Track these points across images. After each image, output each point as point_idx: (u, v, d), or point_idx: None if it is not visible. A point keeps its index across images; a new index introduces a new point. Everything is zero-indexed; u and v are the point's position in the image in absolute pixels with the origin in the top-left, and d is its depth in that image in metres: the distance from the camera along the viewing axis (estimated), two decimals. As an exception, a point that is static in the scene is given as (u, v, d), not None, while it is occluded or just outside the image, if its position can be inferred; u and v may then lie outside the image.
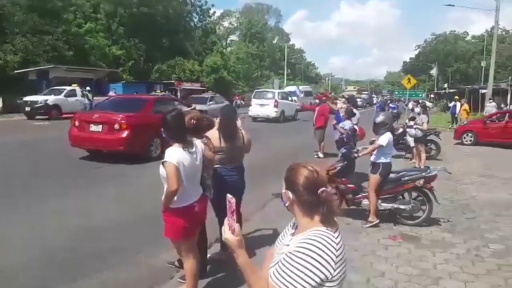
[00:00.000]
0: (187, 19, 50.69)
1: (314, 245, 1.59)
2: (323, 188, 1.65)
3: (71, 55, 31.42)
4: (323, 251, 1.58)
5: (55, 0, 31.60)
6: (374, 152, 6.09)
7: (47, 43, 30.01)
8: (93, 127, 10.18)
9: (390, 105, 26.11)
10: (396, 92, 37.32)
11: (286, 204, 1.74)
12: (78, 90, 24.00)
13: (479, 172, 10.51)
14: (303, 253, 1.57)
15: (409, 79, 23.59)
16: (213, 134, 4.29)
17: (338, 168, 6.32)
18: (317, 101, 13.36)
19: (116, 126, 9.91)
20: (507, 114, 16.80)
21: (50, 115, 21.64)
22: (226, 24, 71.98)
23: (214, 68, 47.57)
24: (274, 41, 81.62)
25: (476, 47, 61.70)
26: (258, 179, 7.96)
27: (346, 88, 51.94)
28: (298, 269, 1.55)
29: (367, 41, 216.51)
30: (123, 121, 9.93)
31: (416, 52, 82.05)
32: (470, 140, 16.36)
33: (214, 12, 59.15)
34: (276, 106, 24.49)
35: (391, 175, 6.11)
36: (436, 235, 5.71)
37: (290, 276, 1.56)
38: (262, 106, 24.81)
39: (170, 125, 3.44)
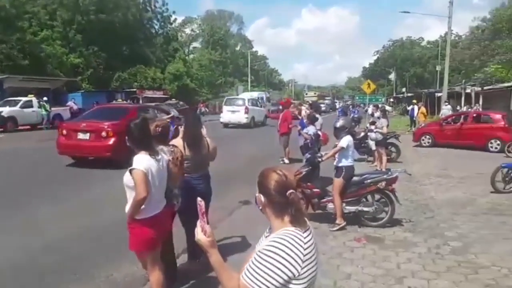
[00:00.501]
0: (148, 26, 49.87)
1: (281, 243, 1.66)
2: (291, 190, 1.74)
3: (27, 64, 30.16)
4: (290, 249, 1.65)
5: (9, 8, 30.30)
6: (337, 156, 6.23)
7: (1, 52, 28.73)
8: (80, 135, 10.83)
9: (351, 109, 26.80)
10: (357, 97, 38.32)
11: (260, 207, 1.82)
12: (34, 100, 23.05)
13: (436, 173, 10.94)
14: (270, 251, 1.65)
15: (369, 84, 24.28)
16: (178, 142, 4.27)
17: (304, 173, 6.42)
18: (280, 107, 13.51)
19: (103, 133, 10.51)
20: (462, 116, 17.62)
21: (5, 128, 20.79)
22: (188, 31, 71.52)
23: (177, 76, 47.07)
24: (237, 48, 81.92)
25: (431, 52, 64.26)
26: (225, 186, 7.96)
27: (306, 94, 52.66)
28: (266, 267, 1.63)
29: (328, 47, 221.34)
30: (109, 129, 10.47)
31: (375, 57, 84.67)
32: (428, 142, 17.01)
33: (176, 19, 58.66)
34: (246, 112, 25.46)
35: (354, 178, 6.26)
36: (398, 235, 5.89)
37: (258, 274, 1.63)
38: (233, 112, 25.73)
39: (134, 133, 3.38)
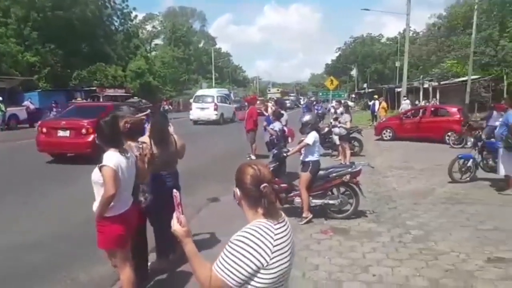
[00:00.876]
0: (107, 23, 48.52)
1: (250, 233, 1.73)
2: (264, 184, 1.81)
3: (-21, 63, 28.70)
4: (258, 239, 1.71)
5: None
6: (303, 151, 6.34)
7: (-49, 51, 27.16)
8: (60, 133, 11.14)
9: (315, 106, 27.22)
10: (320, 93, 38.95)
11: (237, 201, 1.90)
12: (-12, 101, 22.01)
13: (397, 165, 11.33)
14: (240, 241, 1.71)
15: (331, 81, 24.69)
16: (145, 140, 4.22)
17: (271, 168, 6.47)
18: (246, 103, 13.54)
19: (83, 131, 10.87)
20: (420, 111, 18.30)
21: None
22: (149, 27, 70.03)
23: (139, 73, 46.17)
24: (200, 45, 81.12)
25: (390, 48, 66.11)
26: (193, 183, 7.94)
27: (269, 91, 52.87)
28: (235, 256, 1.68)
29: (291, 44, 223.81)
30: (89, 126, 10.70)
31: (337, 54, 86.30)
32: (389, 136, 17.56)
33: (136, 16, 57.30)
34: (216, 109, 25.71)
35: (320, 172, 6.39)
36: (363, 226, 6.07)
37: (227, 263, 1.69)
38: (203, 109, 25.92)
39: (104, 130, 3.34)
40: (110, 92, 37.31)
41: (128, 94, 39.30)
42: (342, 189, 6.50)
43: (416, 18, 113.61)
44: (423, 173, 10.31)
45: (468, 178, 9.04)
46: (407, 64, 28.59)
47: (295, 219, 6.24)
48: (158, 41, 71.49)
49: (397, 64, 44.63)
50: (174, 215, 1.86)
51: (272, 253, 1.71)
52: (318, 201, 6.39)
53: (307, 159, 6.26)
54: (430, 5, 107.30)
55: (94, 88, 36.88)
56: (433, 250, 5.11)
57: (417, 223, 6.23)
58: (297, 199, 6.40)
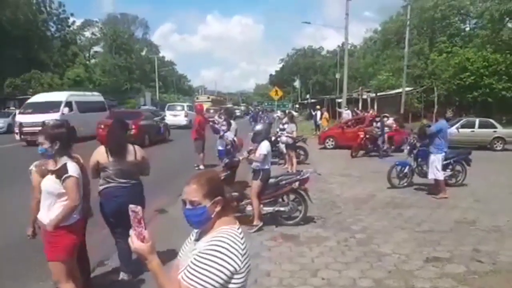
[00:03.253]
0: (43, 28, 46.23)
1: (223, 241, 1.73)
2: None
3: None
4: (231, 246, 1.73)
5: None
6: (254, 158, 6.46)
7: None
8: None
9: (261, 115, 27.59)
10: (266, 103, 39.55)
11: (216, 210, 1.80)
12: None
13: (340, 173, 11.79)
14: (214, 250, 1.70)
15: (276, 91, 25.24)
16: (101, 149, 4.20)
17: (222, 177, 6.52)
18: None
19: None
20: (360, 121, 19.18)
21: None
22: (88, 34, 67.38)
23: (77, 81, 44.44)
24: (143, 53, 79.19)
25: (331, 60, 68.83)
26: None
27: (197, 98, 51.54)
28: (210, 265, 1.67)
29: (235, 54, 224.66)
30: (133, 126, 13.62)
31: (280, 65, 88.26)
32: (332, 145, 18.23)
33: (74, 22, 55.17)
34: (186, 116, 30.07)
35: (271, 180, 6.55)
36: (311, 232, 6.28)
37: (202, 274, 1.66)
38: (175, 116, 30.34)
39: (64, 138, 3.31)
40: (47, 100, 35.31)
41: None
42: (291, 196, 6.69)
43: (354, 32, 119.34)
44: (364, 179, 10.82)
45: (405, 184, 9.63)
46: (346, 76, 29.90)
47: (246, 227, 6.31)
48: (98, 49, 69.02)
49: (337, 76, 46.46)
50: (131, 232, 1.74)
51: (242, 256, 1.75)
52: (269, 209, 6.52)
53: (258, 168, 6.38)
54: (367, 20, 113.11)
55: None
56: (377, 252, 5.40)
57: (361, 227, 6.55)
58: (249, 207, 6.49)
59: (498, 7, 28.83)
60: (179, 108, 31.98)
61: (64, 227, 3.22)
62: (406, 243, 5.76)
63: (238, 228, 1.84)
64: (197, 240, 1.88)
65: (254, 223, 6.28)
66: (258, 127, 6.72)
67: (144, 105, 44.22)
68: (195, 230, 1.93)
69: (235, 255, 1.72)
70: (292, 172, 8.90)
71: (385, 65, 39.04)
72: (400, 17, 37.29)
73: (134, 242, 1.73)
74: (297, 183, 6.50)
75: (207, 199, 1.79)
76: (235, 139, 9.17)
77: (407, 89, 31.07)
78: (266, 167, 6.42)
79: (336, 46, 64.24)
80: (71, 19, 52.23)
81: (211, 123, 10.91)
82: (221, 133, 8.83)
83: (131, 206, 1.76)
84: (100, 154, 4.15)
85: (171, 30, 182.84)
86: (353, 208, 7.79)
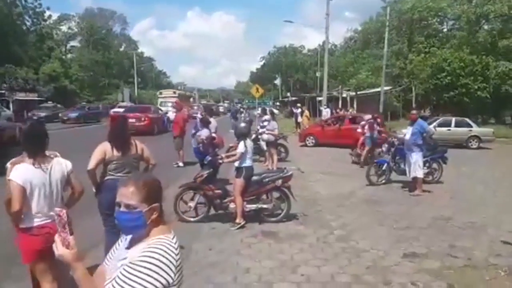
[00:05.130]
0: (18, 22, 44.87)
1: (158, 252, 1.62)
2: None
3: None
4: (166, 258, 1.63)
5: None
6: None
7: None
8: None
9: (243, 113, 27.57)
10: (247, 101, 39.52)
11: (153, 217, 1.72)
12: None
13: (321, 170, 11.88)
14: (147, 261, 1.59)
15: (257, 89, 25.23)
16: (106, 145, 4.33)
17: (205, 175, 6.47)
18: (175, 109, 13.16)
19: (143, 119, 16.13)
20: (340, 118, 19.38)
21: None
22: (64, 28, 65.65)
23: (53, 76, 43.34)
24: (121, 49, 77.82)
25: (312, 59, 69.13)
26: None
27: (161, 94, 48.87)
28: (142, 278, 1.56)
29: (216, 51, 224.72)
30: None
31: (262, 63, 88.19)
32: (312, 142, 18.36)
33: (50, 16, 53.67)
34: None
35: (254, 178, 6.54)
36: (291, 229, 6.30)
37: (132, 286, 1.55)
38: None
39: (25, 137, 3.22)
40: (21, 96, 34.64)
41: (41, 99, 36.76)
42: (275, 194, 6.70)
43: (334, 31, 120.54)
44: (343, 176, 10.93)
45: (383, 181, 9.78)
46: (327, 75, 30.14)
47: (229, 224, 6.30)
48: (74, 43, 67.42)
49: (318, 74, 46.74)
50: (56, 237, 1.64)
51: (176, 268, 1.65)
52: (252, 206, 6.52)
53: (240, 165, 6.36)
54: (347, 20, 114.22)
55: (2, 91, 33.86)
56: (355, 248, 5.46)
57: (340, 223, 6.61)
58: (232, 205, 6.48)
59: (474, 10, 29.53)
60: (170, 104, 32.73)
61: (22, 229, 3.14)
62: (384, 239, 5.84)
63: (173, 238, 1.73)
64: (128, 247, 1.76)
65: (237, 220, 6.26)
66: (241, 125, 6.77)
67: (123, 101, 43.24)
68: (126, 236, 1.80)
69: (169, 267, 1.61)
70: (274, 169, 8.90)
71: (364, 64, 39.45)
72: (380, 18, 37.71)
73: (59, 248, 1.63)
74: (280, 181, 6.52)
75: (144, 203, 1.68)
76: (214, 136, 9.14)
77: (386, 88, 31.52)
78: (248, 164, 6.41)
79: (317, 45, 64.59)
80: (47, 13, 50.87)
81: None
82: (193, 131, 8.77)
83: (56, 209, 1.67)
84: (107, 148, 4.31)
85: (151, 26, 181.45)
86: (333, 205, 7.86)
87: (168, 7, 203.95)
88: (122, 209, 1.68)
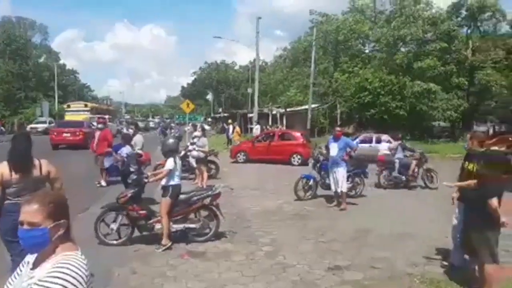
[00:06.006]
0: None
1: (68, 268, 1.59)
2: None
3: None
4: (77, 273, 1.60)
5: None
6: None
7: None
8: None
9: (172, 129, 27.07)
10: (177, 116, 38.91)
11: (59, 233, 1.67)
12: None
13: (251, 186, 11.95)
14: (58, 277, 1.55)
15: (188, 104, 24.97)
16: (3, 165, 3.87)
17: (129, 195, 6.18)
18: (99, 125, 12.43)
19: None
20: (270, 135, 19.78)
21: None
22: (-23, 37, 60.47)
23: (-36, 89, 39.62)
24: (41, 60, 73.17)
25: (243, 75, 70.18)
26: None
27: (69, 107, 43.37)
28: None
29: (146, 64, 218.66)
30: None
31: (193, 78, 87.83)
32: (243, 159, 18.46)
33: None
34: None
35: (181, 196, 6.37)
36: (219, 247, 6.23)
37: None
38: None
39: None
40: None
41: None
42: (203, 213, 6.57)
43: (265, 49, 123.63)
44: (273, 192, 11.10)
45: (310, 196, 10.05)
46: (258, 91, 30.72)
47: (154, 246, 6.05)
48: (-11, 54, 62.30)
49: (249, 90, 47.41)
50: None
51: (86, 284, 1.62)
52: (179, 226, 6.32)
53: (168, 184, 6.18)
54: (277, 38, 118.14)
55: None
56: (282, 264, 5.53)
57: (269, 239, 6.67)
58: (158, 225, 6.21)
59: (392, 33, 31.97)
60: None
61: None
62: (310, 254, 5.97)
63: (82, 255, 1.71)
64: (33, 268, 1.69)
65: (163, 242, 6.01)
66: (168, 142, 6.57)
67: (41, 116, 40.28)
68: (31, 256, 1.74)
69: (80, 283, 1.59)
70: (203, 187, 8.77)
71: (293, 82, 40.83)
72: (307, 37, 39.37)
73: None
74: (208, 199, 6.42)
75: (49, 220, 1.64)
76: (139, 152, 8.81)
77: (313, 105, 32.83)
78: (176, 182, 6.24)
79: (248, 61, 65.77)
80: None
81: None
82: (111, 150, 8.37)
83: None
84: (3, 170, 3.84)
85: (76, 37, 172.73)
86: (262, 221, 7.91)
87: (95, 19, 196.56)
88: (25, 227, 1.63)
